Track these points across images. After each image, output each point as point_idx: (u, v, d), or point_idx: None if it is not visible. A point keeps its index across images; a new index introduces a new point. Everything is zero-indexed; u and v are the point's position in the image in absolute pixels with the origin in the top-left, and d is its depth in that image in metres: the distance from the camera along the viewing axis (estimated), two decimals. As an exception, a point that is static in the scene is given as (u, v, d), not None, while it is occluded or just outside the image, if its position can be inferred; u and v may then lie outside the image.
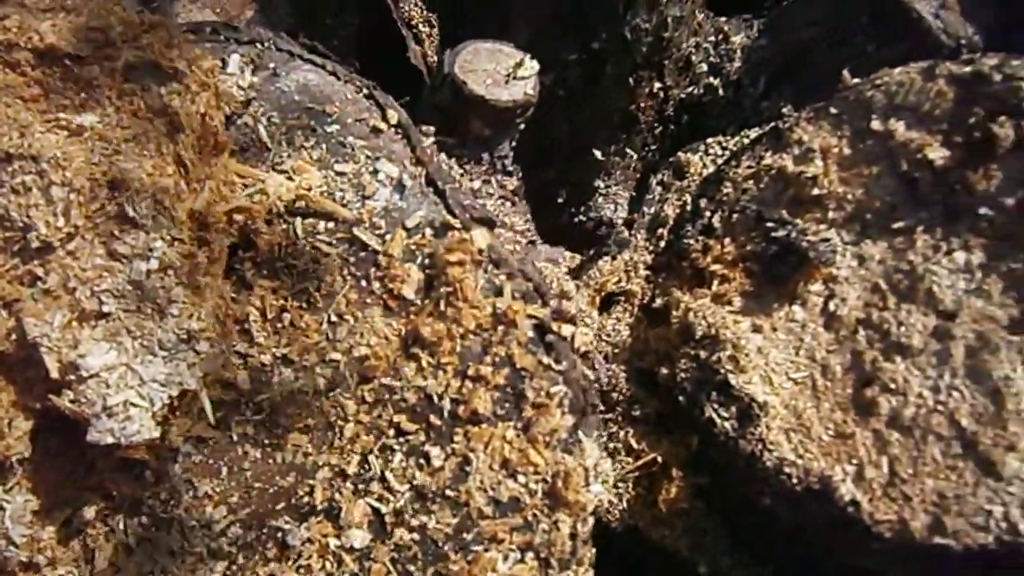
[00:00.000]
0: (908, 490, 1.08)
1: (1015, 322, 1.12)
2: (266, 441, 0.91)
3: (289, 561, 0.87)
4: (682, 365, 1.29)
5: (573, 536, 0.87)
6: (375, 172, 0.97)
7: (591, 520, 0.89)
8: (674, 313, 1.31)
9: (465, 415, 0.89)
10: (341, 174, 0.97)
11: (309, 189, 0.94)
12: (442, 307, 0.91)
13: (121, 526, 0.89)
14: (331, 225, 0.95)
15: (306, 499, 0.89)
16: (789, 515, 1.16)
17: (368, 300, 0.93)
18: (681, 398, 1.28)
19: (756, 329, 1.27)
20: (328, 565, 0.87)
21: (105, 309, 0.81)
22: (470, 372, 0.90)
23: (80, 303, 0.81)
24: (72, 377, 0.80)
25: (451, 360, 0.90)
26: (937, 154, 1.23)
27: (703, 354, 1.26)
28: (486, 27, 1.51)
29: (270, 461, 0.91)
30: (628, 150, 1.90)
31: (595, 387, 1.02)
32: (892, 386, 1.15)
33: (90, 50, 0.89)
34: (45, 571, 0.87)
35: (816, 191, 1.30)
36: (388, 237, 0.94)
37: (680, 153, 1.58)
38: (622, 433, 1.35)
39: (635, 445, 1.33)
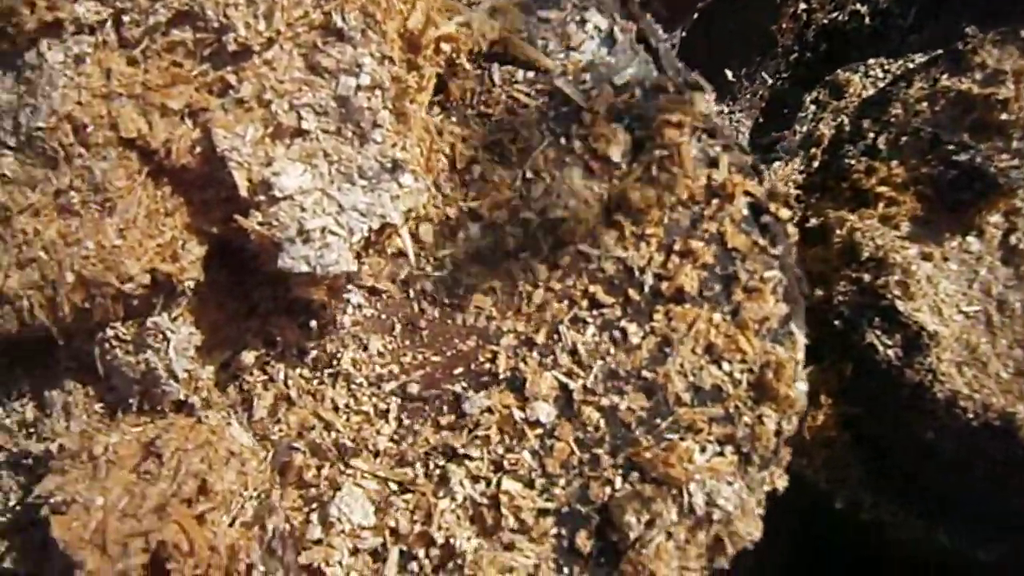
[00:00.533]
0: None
1: None
2: (446, 300, 0.83)
3: (464, 430, 0.80)
4: (841, 288, 1.20)
5: (778, 433, 0.80)
6: (582, 22, 0.87)
7: (795, 420, 0.81)
8: (837, 232, 1.22)
9: (668, 292, 0.81)
10: (545, 21, 0.87)
11: (511, 31, 0.85)
12: (653, 172, 0.82)
13: (282, 375, 0.82)
14: (531, 75, 0.86)
15: (487, 366, 0.82)
16: (957, 452, 1.08)
17: (567, 159, 0.84)
18: (837, 322, 1.19)
19: (926, 257, 1.18)
20: (507, 438, 0.80)
21: (304, 126, 0.73)
22: (677, 246, 0.82)
23: (276, 117, 0.73)
24: (262, 197, 0.72)
25: (657, 232, 0.82)
26: None
27: (867, 277, 1.18)
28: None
29: (448, 322, 0.83)
30: (761, 73, 1.78)
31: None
32: (1086, 324, 1.06)
33: None
34: (199, 412, 0.80)
35: (1004, 116, 1.19)
36: (594, 93, 0.85)
37: (839, 71, 1.47)
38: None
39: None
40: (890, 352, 1.13)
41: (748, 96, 1.85)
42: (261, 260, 0.76)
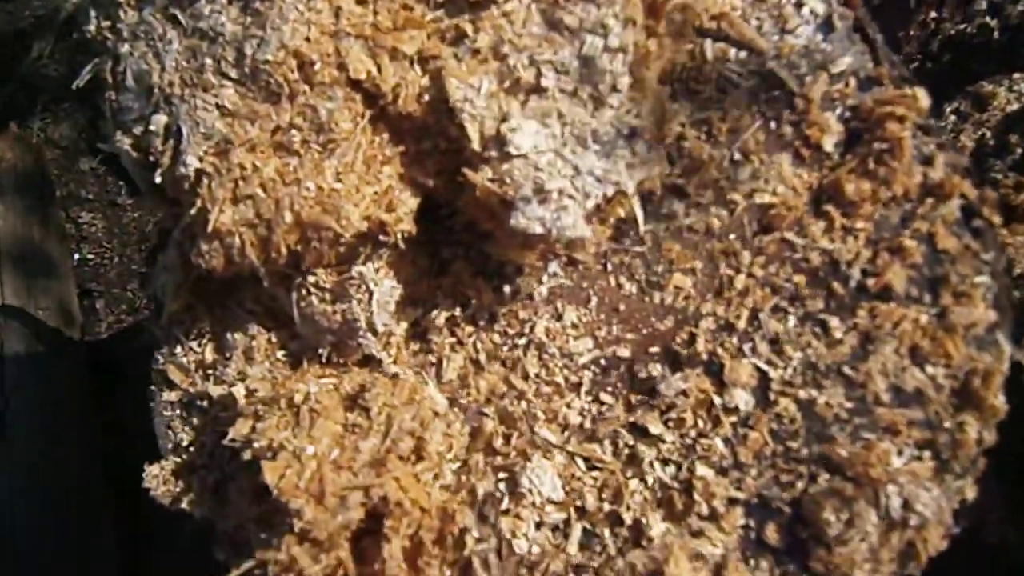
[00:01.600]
0: None
1: None
2: (645, 277, 0.81)
3: (657, 411, 0.78)
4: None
5: (979, 442, 0.77)
6: (799, 5, 0.85)
7: (994, 431, 0.78)
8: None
9: (875, 289, 0.79)
10: (762, 1, 0.85)
11: (729, 8, 0.82)
12: (871, 165, 0.79)
13: (471, 339, 0.81)
14: (744, 55, 0.83)
15: (684, 347, 0.79)
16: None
17: (778, 144, 0.82)
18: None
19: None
20: (702, 422, 0.78)
21: (543, 83, 0.70)
22: (886, 243, 0.79)
23: (515, 72, 0.71)
24: (494, 153, 0.70)
25: (867, 226, 0.80)
26: None
27: (1019, 295, 1.14)
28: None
29: (646, 299, 0.81)
30: (881, 79, 1.75)
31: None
32: None
33: None
34: (386, 367, 0.78)
35: None
36: (809, 79, 0.82)
37: (982, 83, 1.44)
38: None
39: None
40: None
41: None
42: (478, 217, 0.74)
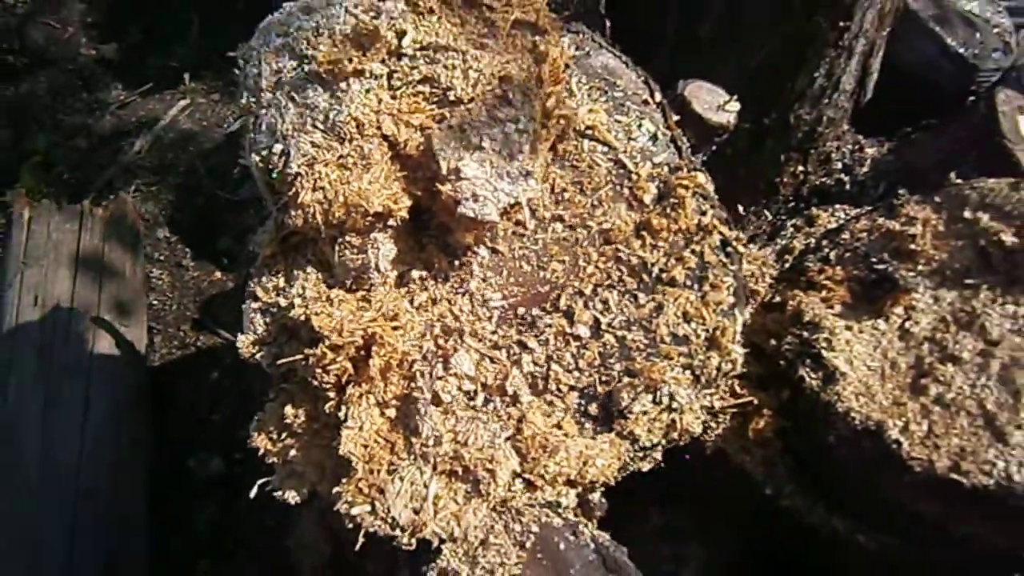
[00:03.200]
0: (939, 442, 1.50)
1: (1040, 355, 1.56)
2: (535, 263, 1.41)
3: (534, 334, 1.36)
4: (787, 340, 1.74)
5: (718, 368, 1.34)
6: (640, 126, 1.49)
7: (731, 364, 1.35)
8: (790, 303, 1.78)
9: (666, 279, 1.38)
10: (618, 122, 1.50)
11: (598, 123, 1.47)
12: (667, 211, 1.41)
13: (433, 287, 1.40)
14: (605, 149, 1.47)
15: (553, 302, 1.38)
16: (845, 451, 1.59)
17: (619, 197, 1.44)
18: (782, 362, 1.73)
19: (848, 328, 1.73)
20: (559, 343, 1.35)
21: (483, 145, 1.34)
22: (675, 255, 1.39)
23: (468, 138, 1.34)
24: (453, 176, 1.32)
25: (664, 245, 1.40)
26: (1009, 239, 1.69)
27: (806, 333, 1.72)
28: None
29: (535, 275, 1.40)
30: (765, 212, 2.40)
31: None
32: (941, 380, 1.59)
33: (497, 5, 1.46)
34: (374, 282, 1.36)
35: (913, 247, 1.77)
36: (640, 165, 1.46)
37: (814, 208, 2.08)
38: (731, 382, 1.80)
39: (738, 391, 1.77)
40: (813, 382, 1.66)
41: (753, 227, 2.46)
42: (442, 213, 1.35)
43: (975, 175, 2.20)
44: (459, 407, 1.29)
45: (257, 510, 2.46)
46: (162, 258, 3.03)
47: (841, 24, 1.97)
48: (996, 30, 2.54)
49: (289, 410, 1.24)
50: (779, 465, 1.72)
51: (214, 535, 2.41)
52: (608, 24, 2.62)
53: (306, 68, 1.41)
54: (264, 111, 1.42)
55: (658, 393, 1.32)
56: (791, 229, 2.06)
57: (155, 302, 2.93)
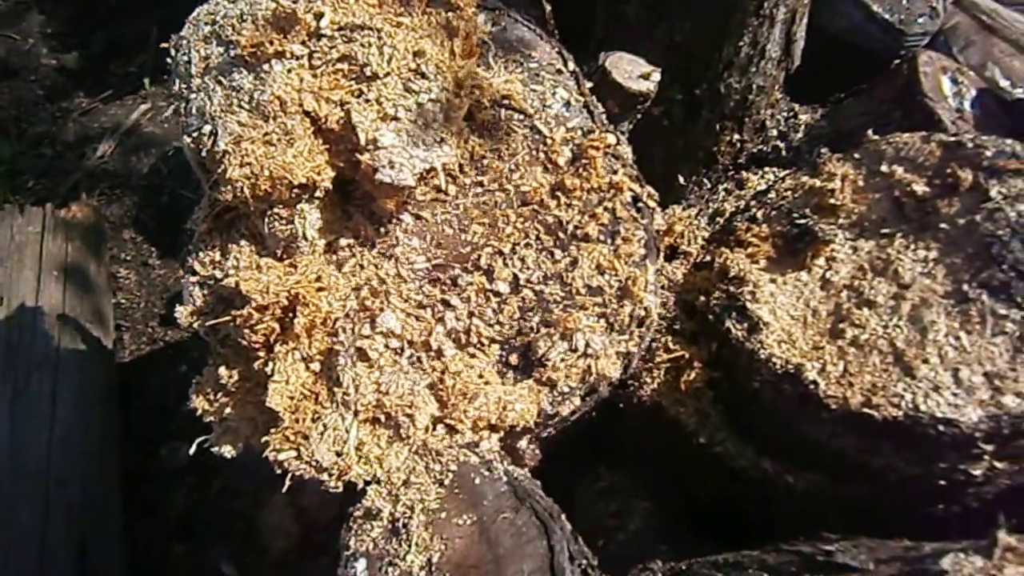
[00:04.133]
0: (853, 380, 1.59)
1: (946, 294, 1.64)
2: (457, 225, 1.49)
3: (456, 293, 1.44)
4: (715, 295, 1.83)
5: (631, 316, 1.42)
6: (554, 94, 1.57)
7: (643, 311, 1.43)
8: (717, 261, 1.86)
9: (580, 235, 1.46)
10: (533, 90, 1.58)
11: (513, 92, 1.55)
12: (580, 171, 1.49)
13: (360, 253, 1.47)
14: (521, 117, 1.55)
15: (474, 262, 1.46)
16: (769, 395, 1.67)
17: (534, 161, 1.52)
18: (710, 316, 1.81)
19: (772, 281, 1.81)
20: (480, 299, 1.43)
21: (398, 116, 1.42)
22: (588, 212, 1.47)
23: (384, 110, 1.42)
24: (371, 147, 1.40)
25: (578, 204, 1.48)
26: (920, 189, 1.77)
27: (732, 288, 1.80)
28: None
29: (457, 237, 1.48)
30: (704, 181, 2.49)
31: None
32: (857, 323, 1.67)
33: (412, -15, 1.54)
34: (303, 250, 1.44)
35: (832, 201, 1.85)
36: (554, 130, 1.54)
37: (743, 172, 2.17)
38: (663, 339, 1.88)
39: (671, 347, 1.86)
40: (739, 333, 1.74)
41: (695, 197, 2.55)
42: (364, 181, 1.43)
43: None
44: (386, 363, 1.37)
45: (228, 496, 2.53)
46: (128, 258, 3.10)
47: (760, -8, 2.05)
48: (922, -5, 2.63)
49: (223, 371, 1.32)
50: (711, 414, 1.81)
51: (187, 521, 2.48)
52: (548, 8, 2.71)
53: (232, 53, 1.48)
54: (194, 95, 1.49)
55: (574, 340, 1.39)
56: (722, 192, 2.15)
57: (123, 301, 3.00)
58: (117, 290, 2.99)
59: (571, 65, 1.61)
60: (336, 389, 1.26)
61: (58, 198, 3.21)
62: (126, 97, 3.47)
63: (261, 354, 1.30)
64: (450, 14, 1.51)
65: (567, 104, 1.57)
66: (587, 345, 1.39)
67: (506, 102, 1.56)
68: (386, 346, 1.39)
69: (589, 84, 1.63)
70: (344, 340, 1.29)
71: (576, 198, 1.48)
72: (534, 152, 1.53)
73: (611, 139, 1.51)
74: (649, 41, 2.19)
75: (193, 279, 1.47)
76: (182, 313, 1.42)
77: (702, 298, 1.86)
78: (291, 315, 1.31)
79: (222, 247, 1.48)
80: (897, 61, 2.41)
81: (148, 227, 3.09)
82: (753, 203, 1.99)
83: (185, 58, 1.54)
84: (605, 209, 1.48)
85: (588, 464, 2.08)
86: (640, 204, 1.49)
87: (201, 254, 1.49)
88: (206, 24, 1.55)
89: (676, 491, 1.96)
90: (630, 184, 1.49)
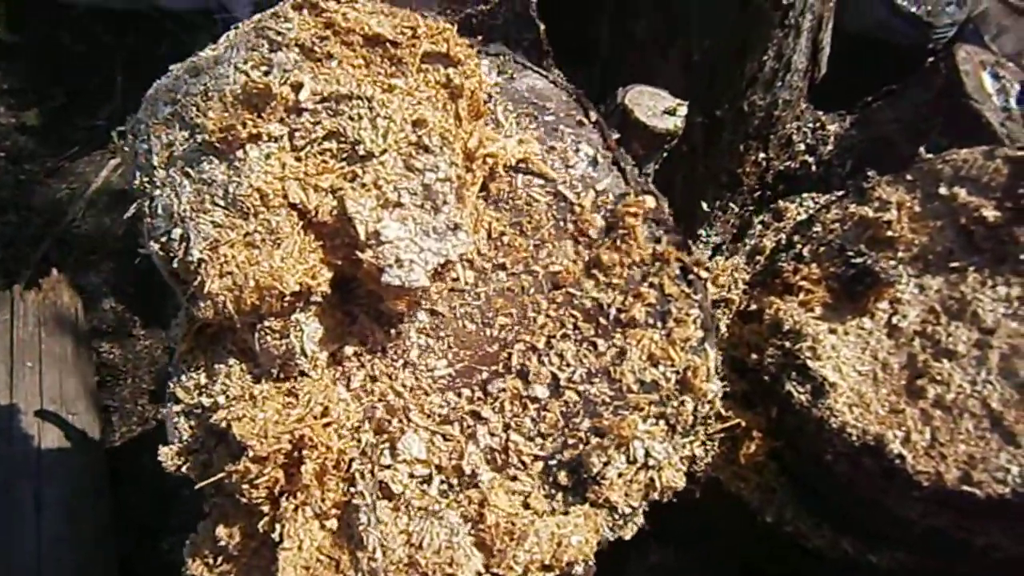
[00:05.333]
0: (945, 451, 1.38)
1: (1041, 339, 1.44)
2: (480, 319, 1.27)
3: (487, 402, 1.22)
4: (769, 352, 1.62)
5: (695, 413, 1.21)
6: (577, 151, 1.36)
7: (708, 405, 1.21)
8: (767, 312, 1.65)
9: (625, 320, 1.25)
10: (552, 149, 1.36)
11: (531, 154, 1.33)
12: (618, 244, 1.27)
13: (370, 363, 1.26)
14: (542, 182, 1.34)
15: (505, 362, 1.24)
16: (845, 469, 1.46)
17: (563, 234, 1.30)
18: (766, 377, 1.60)
19: (832, 331, 1.60)
20: (515, 408, 1.22)
21: (402, 201, 1.20)
22: (632, 291, 1.26)
23: (385, 195, 1.20)
24: (373, 241, 1.18)
25: (619, 282, 1.26)
26: (991, 214, 1.56)
27: (788, 344, 1.59)
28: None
29: (481, 333, 1.27)
30: (730, 205, 2.27)
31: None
32: (938, 379, 1.46)
33: (402, 39, 1.32)
34: (311, 374, 1.23)
35: (889, 234, 1.64)
36: (582, 195, 1.32)
37: (780, 201, 1.95)
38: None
39: (724, 413, 1.64)
40: (802, 397, 1.53)
41: (720, 223, 2.33)
42: (368, 281, 1.21)
43: (945, 142, 2.08)
44: (413, 497, 1.16)
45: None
46: (110, 330, 2.87)
47: (784, 2, 1.83)
48: (946, -18, 2.42)
49: (222, 531, 1.10)
50: (777, 489, 1.60)
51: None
52: (542, 28, 2.48)
53: (198, 138, 1.26)
54: (159, 192, 1.27)
55: (631, 450, 1.18)
56: (759, 226, 1.93)
57: (108, 378, 2.77)
58: (101, 367, 2.77)
59: (593, 114, 1.40)
60: (360, 554, 1.04)
61: (29, 269, 2.98)
62: (94, 153, 3.24)
63: (265, 509, 1.08)
64: (450, 70, 1.29)
65: (593, 162, 1.35)
66: (647, 454, 1.18)
67: (523, 166, 1.34)
68: (411, 475, 1.18)
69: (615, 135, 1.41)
70: (362, 489, 1.07)
71: (616, 276, 1.27)
72: (561, 223, 1.31)
73: (650, 202, 1.30)
74: (663, 61, 1.97)
75: (177, 409, 1.26)
76: (167, 455, 1.20)
77: (753, 355, 1.64)
78: (297, 458, 1.09)
79: (207, 367, 1.27)
80: (931, 59, 2.20)
81: (128, 294, 2.86)
82: (796, 238, 1.78)
83: (144, 146, 1.31)
84: (651, 286, 1.26)
85: (637, 539, 1.88)
86: (691, 276, 1.27)
87: (184, 378, 1.27)
88: (165, 104, 1.32)
89: (734, 569, 1.75)
90: (677, 254, 1.27)
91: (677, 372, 1.22)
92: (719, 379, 1.23)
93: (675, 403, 1.21)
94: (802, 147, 2.27)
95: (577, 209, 1.31)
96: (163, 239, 1.24)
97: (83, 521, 2.20)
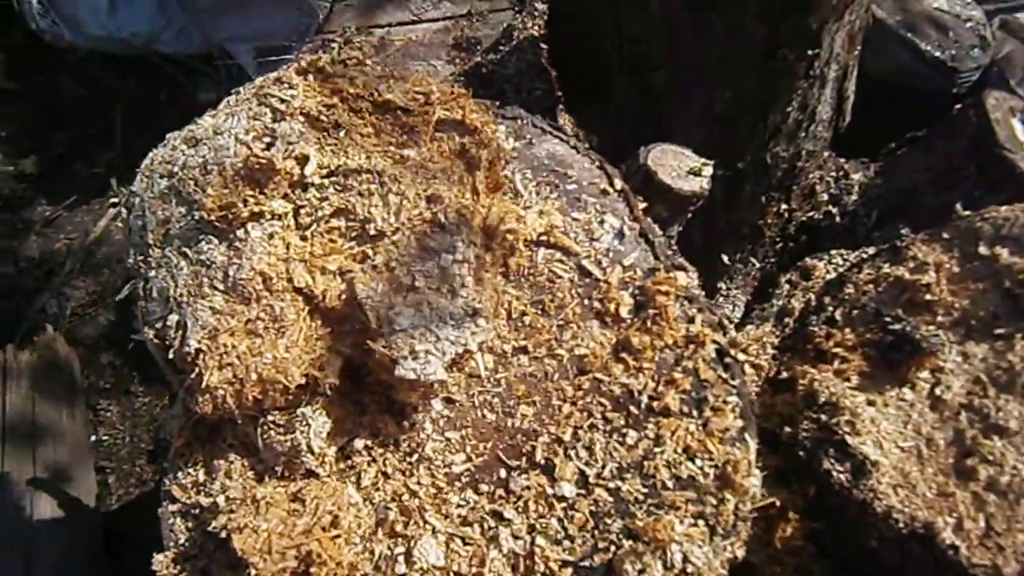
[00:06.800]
0: (1002, 541, 1.27)
1: (1103, 416, 1.34)
2: (501, 409, 1.18)
3: (510, 501, 1.12)
4: (804, 426, 1.51)
5: (736, 512, 1.11)
6: (602, 222, 1.27)
7: (750, 502, 1.11)
8: (800, 382, 1.55)
9: (658, 408, 1.15)
10: (576, 220, 1.27)
11: (553, 227, 1.24)
12: (648, 325, 1.18)
13: (381, 458, 1.16)
14: (565, 257, 1.25)
15: (528, 456, 1.14)
16: (893, 557, 1.36)
17: (589, 314, 1.21)
18: (801, 453, 1.50)
19: (870, 403, 1.50)
20: (541, 507, 1.12)
21: (416, 284, 1.11)
22: (664, 377, 1.16)
23: (398, 278, 1.11)
24: (386, 330, 1.09)
25: (651, 366, 1.17)
26: (1036, 275, 1.47)
27: (824, 417, 1.49)
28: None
29: (502, 424, 1.17)
30: (751, 259, 2.18)
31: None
32: (990, 458, 1.36)
33: (414, 106, 1.24)
34: (324, 479, 1.13)
35: (928, 297, 1.55)
36: (609, 270, 1.23)
37: (807, 259, 1.86)
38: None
39: (757, 492, 1.54)
40: (841, 476, 1.43)
41: (741, 276, 2.24)
42: (379, 371, 1.12)
43: (979, 193, 1.99)
44: (431, 610, 1.06)
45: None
46: (108, 387, 2.77)
47: (810, 53, 1.76)
48: (969, 24, 2.34)
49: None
50: (816, 574, 1.49)
51: None
52: (554, 74, 2.42)
53: (196, 216, 1.18)
54: (153, 273, 1.18)
55: (669, 555, 1.08)
56: (786, 286, 1.84)
57: (105, 437, 2.67)
58: (98, 425, 2.67)
59: (618, 183, 1.31)
60: None
61: (26, 322, 2.89)
62: (93, 201, 3.16)
63: (270, 634, 0.98)
64: (466, 139, 1.21)
65: (619, 234, 1.26)
66: (685, 559, 1.08)
67: (545, 239, 1.25)
68: (428, 585, 1.07)
69: (642, 203, 1.33)
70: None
71: (646, 360, 1.17)
72: (587, 302, 1.22)
73: (682, 279, 1.21)
74: (682, 112, 1.89)
75: (173, 508, 1.16)
76: (162, 563, 1.10)
77: (787, 428, 1.54)
78: (303, 569, 0.99)
79: (206, 463, 1.17)
80: (959, 106, 2.12)
81: (127, 350, 2.77)
82: (827, 300, 1.68)
83: (139, 222, 1.23)
84: (685, 371, 1.17)
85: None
86: (727, 360, 1.18)
87: (180, 474, 1.17)
88: (162, 176, 1.24)
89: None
90: (712, 335, 1.18)
91: (716, 466, 1.12)
92: (759, 470, 1.13)
93: (714, 501, 1.11)
94: (825, 197, 2.19)
95: (603, 286, 1.22)
96: (158, 325, 1.15)
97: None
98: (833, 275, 1.82)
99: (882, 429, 1.47)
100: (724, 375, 1.17)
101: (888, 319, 1.55)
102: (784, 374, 1.63)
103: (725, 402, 1.15)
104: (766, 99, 1.86)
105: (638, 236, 1.27)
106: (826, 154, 2.16)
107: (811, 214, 2.20)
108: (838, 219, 2.19)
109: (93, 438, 2.64)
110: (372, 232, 1.14)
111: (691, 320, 1.19)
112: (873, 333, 1.56)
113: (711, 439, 1.13)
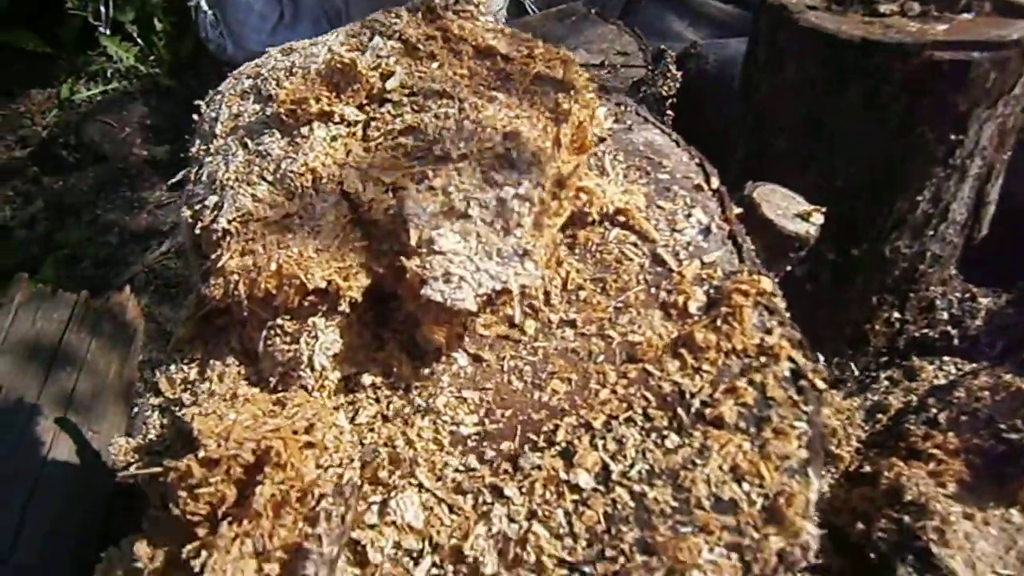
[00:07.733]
0: None
1: None
2: (531, 379, 1.03)
3: (515, 479, 0.96)
4: (881, 524, 1.29)
5: (780, 556, 0.90)
6: (688, 215, 1.14)
7: (799, 551, 0.91)
8: (885, 475, 1.33)
9: (710, 417, 0.98)
10: (660, 207, 1.15)
11: (633, 207, 1.12)
12: (718, 323, 1.03)
13: (386, 400, 1.03)
14: (639, 240, 1.12)
15: (548, 435, 0.99)
16: None
17: (653, 302, 1.07)
18: (873, 555, 1.26)
19: (967, 516, 1.26)
20: (548, 493, 0.95)
21: (470, 212, 1.00)
22: (725, 384, 0.99)
23: (452, 202, 1.01)
24: (424, 249, 0.98)
25: (711, 369, 1.01)
26: None
27: (907, 519, 1.26)
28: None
29: (528, 396, 1.02)
30: (851, 365, 1.97)
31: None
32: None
33: (516, 55, 1.17)
34: (314, 395, 1.00)
35: (1056, 415, 1.32)
36: (685, 263, 1.09)
37: (915, 359, 1.65)
38: (799, 577, 1.33)
39: (811, 592, 1.30)
40: (917, 590, 1.19)
41: (835, 381, 2.02)
42: (408, 299, 1.00)
43: None
44: (390, 573, 0.89)
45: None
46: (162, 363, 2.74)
47: (952, 138, 1.61)
48: None
49: (143, 548, 0.86)
50: None
51: None
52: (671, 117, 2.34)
53: (267, 110, 1.12)
54: (209, 159, 1.13)
55: (687, 582, 0.88)
56: (886, 382, 1.63)
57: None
58: (139, 395, 2.62)
59: (715, 181, 1.19)
60: (294, 619, 0.78)
61: (111, 289, 2.93)
62: (206, 194, 3.25)
63: (200, 531, 0.84)
64: (560, 95, 1.12)
65: (705, 230, 1.13)
66: (708, 593, 0.87)
67: (621, 219, 1.13)
68: (397, 545, 0.91)
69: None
70: (324, 534, 0.81)
71: (708, 361, 1.01)
72: (653, 290, 1.08)
73: (766, 284, 1.05)
74: (800, 181, 1.76)
75: (155, 400, 1.05)
76: (121, 447, 0.98)
77: (860, 525, 1.31)
78: (260, 472, 0.85)
79: (202, 362, 1.07)
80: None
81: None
82: (932, 401, 1.46)
83: (213, 115, 1.19)
84: (750, 383, 0.99)
85: None
86: (803, 383, 1.00)
87: (173, 367, 1.07)
88: (248, 77, 1.21)
89: None
90: (791, 351, 1.01)
91: (766, 496, 0.93)
92: (817, 525, 0.93)
93: (756, 535, 0.91)
94: (946, 316, 1.97)
95: (676, 277, 1.08)
96: (197, 206, 1.09)
97: (63, 539, 1.98)
98: (943, 381, 1.60)
99: (978, 548, 1.23)
100: (796, 397, 0.98)
101: (1002, 427, 1.33)
102: (866, 468, 1.41)
103: (792, 426, 0.96)
104: (896, 181, 1.70)
105: (726, 237, 1.13)
106: (952, 270, 1.95)
107: (926, 330, 1.98)
108: (956, 342, 1.96)
109: (135, 409, 2.59)
110: (438, 153, 1.05)
111: (768, 331, 1.03)
112: (982, 439, 1.33)
113: (766, 463, 0.94)
